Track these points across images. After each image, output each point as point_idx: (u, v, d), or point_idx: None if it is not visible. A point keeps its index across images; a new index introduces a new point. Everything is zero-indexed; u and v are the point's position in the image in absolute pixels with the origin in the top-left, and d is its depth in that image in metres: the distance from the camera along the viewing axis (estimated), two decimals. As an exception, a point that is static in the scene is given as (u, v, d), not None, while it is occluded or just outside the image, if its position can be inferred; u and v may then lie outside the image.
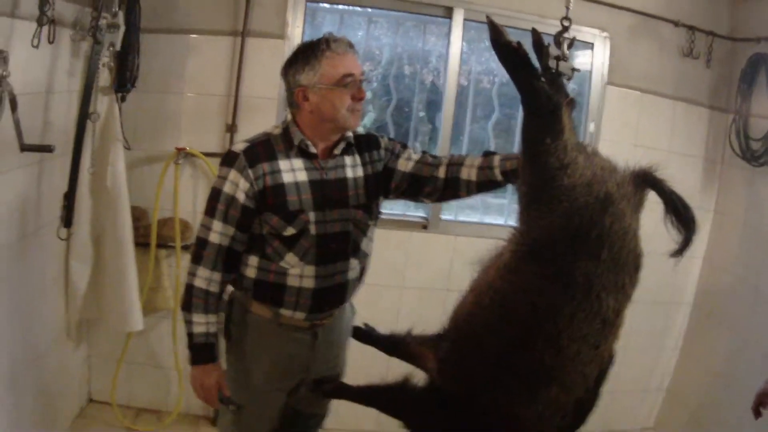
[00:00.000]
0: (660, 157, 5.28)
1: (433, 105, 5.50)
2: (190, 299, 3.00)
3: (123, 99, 4.63)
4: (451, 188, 3.18)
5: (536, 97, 2.48)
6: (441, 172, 3.18)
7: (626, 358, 5.48)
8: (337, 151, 3.12)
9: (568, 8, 2.86)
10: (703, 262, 5.88)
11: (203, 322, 3.00)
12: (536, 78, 2.53)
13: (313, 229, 3.01)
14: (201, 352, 3.03)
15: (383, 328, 3.38)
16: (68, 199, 4.29)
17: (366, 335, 3.41)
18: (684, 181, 5.45)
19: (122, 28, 4.45)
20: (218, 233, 2.98)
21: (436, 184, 3.19)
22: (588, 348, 2.44)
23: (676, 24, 5.52)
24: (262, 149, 3.03)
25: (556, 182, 2.39)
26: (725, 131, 5.60)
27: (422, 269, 5.38)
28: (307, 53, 3.03)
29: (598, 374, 2.61)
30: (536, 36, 2.73)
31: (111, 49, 4.44)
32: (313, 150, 3.06)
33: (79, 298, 4.57)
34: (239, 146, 3.06)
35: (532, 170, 2.49)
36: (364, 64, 5.38)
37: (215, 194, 3.01)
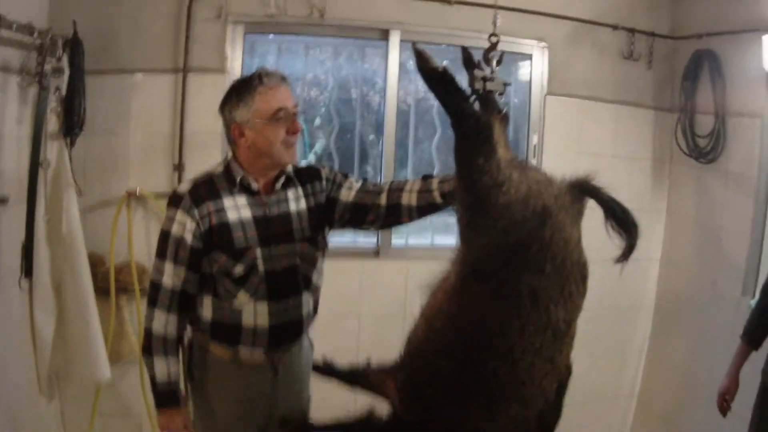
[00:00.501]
0: (606, 162, 5.39)
1: (382, 127, 5.51)
2: (150, 343, 3.00)
3: (72, 143, 4.58)
4: (394, 215, 3.20)
5: (465, 119, 2.49)
6: (383, 200, 3.20)
7: (593, 366, 5.56)
8: (278, 186, 3.14)
9: (495, 24, 2.90)
10: (660, 263, 5.95)
11: (164, 366, 2.99)
12: (465, 100, 2.55)
13: (261, 266, 3.02)
14: (165, 396, 3.02)
15: (343, 358, 3.38)
16: (26, 248, 4.27)
17: (326, 370, 3.39)
18: (633, 183, 5.57)
19: (67, 72, 4.45)
20: (170, 275, 2.98)
21: (378, 212, 3.21)
22: (542, 361, 2.45)
23: (615, 28, 5.60)
24: (206, 188, 3.04)
25: (491, 201, 2.39)
26: (671, 131, 5.67)
27: (377, 296, 5.39)
28: (241, 89, 3.05)
29: (557, 386, 2.62)
30: (466, 53, 2.77)
31: (57, 93, 4.43)
32: (255, 186, 3.07)
33: (47, 350, 4.49)
34: (184, 186, 3.08)
35: (467, 190, 2.50)
36: (309, 90, 5.41)
37: (164, 236, 3.02)
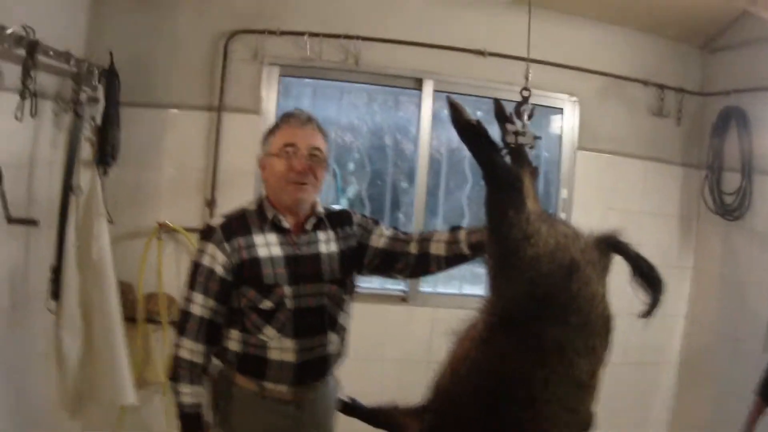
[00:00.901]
0: (634, 218, 5.39)
1: (414, 175, 5.53)
2: (177, 370, 3.02)
3: (105, 172, 4.67)
4: (422, 264, 3.23)
5: (497, 171, 2.52)
6: (412, 248, 3.24)
7: (617, 420, 5.49)
8: (308, 227, 3.18)
9: (527, 78, 2.92)
10: (685, 319, 5.92)
11: (189, 392, 3.01)
12: (497, 152, 2.57)
13: (289, 303, 3.05)
14: (190, 423, 3.03)
15: (366, 401, 3.40)
16: (55, 272, 4.33)
17: (351, 408, 3.40)
18: (660, 240, 5.57)
19: (102, 102, 4.54)
20: (199, 305, 3.01)
21: (407, 260, 3.25)
22: (565, 411, 2.45)
23: (645, 83, 5.64)
24: (238, 224, 3.10)
25: (520, 253, 2.40)
26: (699, 187, 5.67)
27: (403, 342, 5.42)
28: (271, 126, 3.22)
29: None
30: (498, 106, 2.79)
31: (92, 122, 4.52)
32: (285, 225, 3.12)
33: (71, 370, 4.53)
34: (216, 221, 3.13)
35: (496, 242, 2.52)
36: (343, 135, 5.48)
37: (195, 267, 3.06)
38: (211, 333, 3.05)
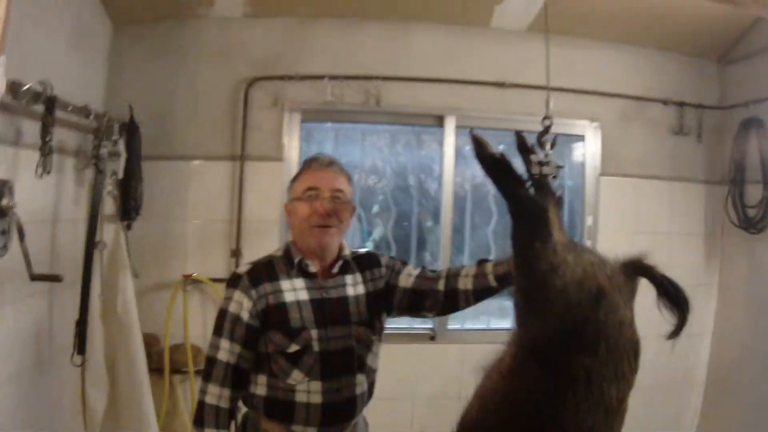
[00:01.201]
0: (661, 240, 5.38)
1: (439, 213, 5.53)
2: (202, 415, 3.02)
3: (129, 227, 4.69)
4: (451, 300, 3.23)
5: (522, 204, 2.51)
6: (440, 285, 3.24)
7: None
8: (335, 270, 3.18)
9: (548, 106, 2.92)
10: (712, 337, 5.87)
11: None
12: (521, 185, 2.57)
13: (316, 346, 3.05)
14: None
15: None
16: (80, 326, 4.31)
17: None
18: (687, 259, 5.55)
19: (124, 156, 4.58)
20: (226, 351, 3.02)
21: (436, 297, 3.24)
22: (595, 438, 2.42)
23: (665, 103, 5.66)
24: (265, 270, 3.11)
25: (548, 284, 2.39)
26: (722, 203, 5.64)
27: (433, 379, 5.40)
28: (296, 173, 3.26)
29: None
30: (519, 139, 2.77)
31: (113, 177, 4.55)
32: (312, 269, 3.13)
33: (97, 424, 4.54)
34: (243, 268, 3.16)
35: (523, 275, 2.51)
36: (367, 178, 5.51)
37: (222, 314, 3.08)
38: (236, 378, 3.05)
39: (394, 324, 5.03)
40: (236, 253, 5.06)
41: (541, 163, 2.66)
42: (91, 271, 4.37)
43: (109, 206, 4.60)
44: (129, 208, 4.64)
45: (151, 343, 4.90)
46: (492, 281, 3.12)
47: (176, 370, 5.01)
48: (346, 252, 3.26)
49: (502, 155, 2.54)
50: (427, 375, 5.40)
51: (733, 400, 5.54)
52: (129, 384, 4.59)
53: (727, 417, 5.62)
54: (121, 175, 4.61)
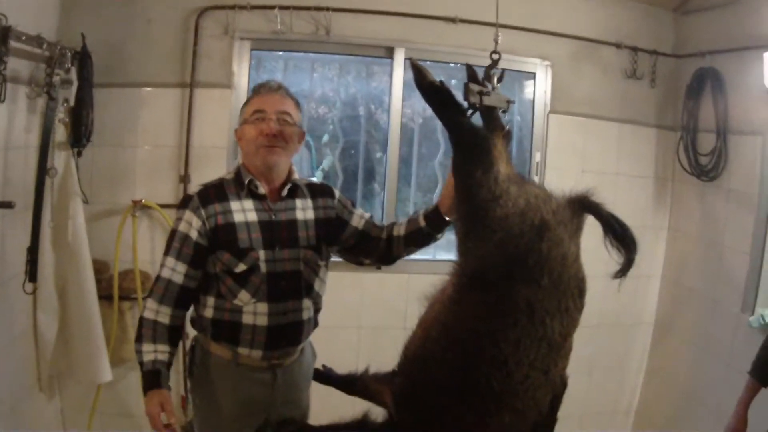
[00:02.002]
0: (609, 180, 5.40)
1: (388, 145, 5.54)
2: (141, 331, 3.06)
3: (79, 153, 4.68)
4: (388, 247, 3.37)
5: (463, 132, 2.54)
6: (384, 234, 3.36)
7: (593, 381, 5.58)
8: (283, 193, 3.22)
9: (496, 42, 2.91)
10: (661, 280, 5.96)
11: (151, 351, 3.02)
12: (462, 114, 2.58)
13: (263, 267, 3.09)
14: (148, 379, 3.04)
15: (342, 369, 3.41)
16: (31, 253, 4.35)
17: (325, 376, 3.45)
18: (636, 201, 5.59)
19: (76, 84, 4.54)
20: (169, 269, 3.07)
21: (378, 245, 3.36)
22: (537, 372, 2.45)
23: (618, 46, 5.65)
24: (215, 191, 3.16)
25: (488, 213, 2.43)
26: (674, 149, 5.70)
27: (378, 309, 5.46)
28: (246, 99, 3.32)
29: (552, 399, 2.61)
30: (470, 71, 2.80)
31: (65, 104, 4.52)
32: (261, 191, 3.17)
33: (48, 351, 4.57)
34: (194, 189, 3.22)
35: (465, 203, 2.54)
36: (317, 108, 5.50)
37: (172, 234, 3.14)
38: (179, 296, 3.09)
39: None
40: (184, 179, 5.03)
41: (481, 93, 2.67)
42: (43, 198, 4.40)
43: (60, 134, 4.54)
44: (80, 135, 4.60)
45: (100, 269, 4.89)
46: (421, 222, 3.23)
47: (125, 296, 5.01)
48: (296, 176, 3.32)
49: (441, 83, 2.57)
50: (372, 304, 5.47)
51: (680, 343, 5.64)
52: (79, 311, 4.61)
53: (673, 358, 5.73)
54: (72, 103, 4.57)
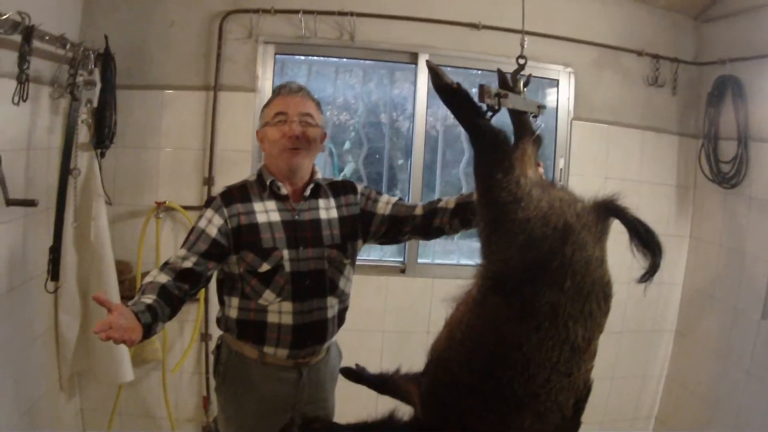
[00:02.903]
0: (632, 187, 5.40)
1: (410, 151, 5.54)
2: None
3: (102, 155, 4.71)
4: (429, 218, 3.32)
5: (481, 134, 2.53)
6: (419, 210, 3.35)
7: (614, 387, 5.57)
8: (306, 194, 3.25)
9: (522, 46, 2.92)
10: (682, 287, 5.94)
11: (137, 298, 2.79)
12: (480, 116, 2.56)
13: (287, 266, 3.12)
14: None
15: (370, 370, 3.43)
16: (54, 252, 4.39)
17: (356, 374, 3.42)
18: (657, 208, 5.58)
19: (98, 85, 4.57)
20: (178, 255, 3.03)
21: (414, 222, 3.33)
22: (559, 376, 2.44)
23: (639, 54, 5.65)
24: (238, 192, 3.20)
25: (510, 216, 2.42)
26: (695, 156, 5.69)
27: (402, 312, 5.45)
28: (267, 101, 3.31)
29: (575, 403, 2.59)
30: (501, 76, 2.82)
31: (88, 105, 4.56)
32: (284, 192, 3.20)
33: (69, 350, 4.62)
34: (218, 190, 3.26)
35: (486, 205, 2.54)
36: (339, 114, 5.52)
37: (191, 229, 3.15)
38: (181, 273, 2.97)
39: (365, 256, 5.24)
40: (208, 182, 5.07)
41: (498, 95, 2.66)
42: (66, 198, 4.43)
43: (83, 134, 4.59)
44: (103, 137, 4.63)
45: (123, 270, 4.93)
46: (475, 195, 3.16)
47: (148, 297, 5.01)
48: (319, 176, 3.35)
49: (458, 85, 2.55)
50: (396, 308, 5.46)
51: (701, 350, 5.60)
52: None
53: (694, 365, 5.69)
54: (95, 104, 4.60)
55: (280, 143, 3.16)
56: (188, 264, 3.00)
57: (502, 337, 2.45)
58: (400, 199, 3.51)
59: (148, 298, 2.79)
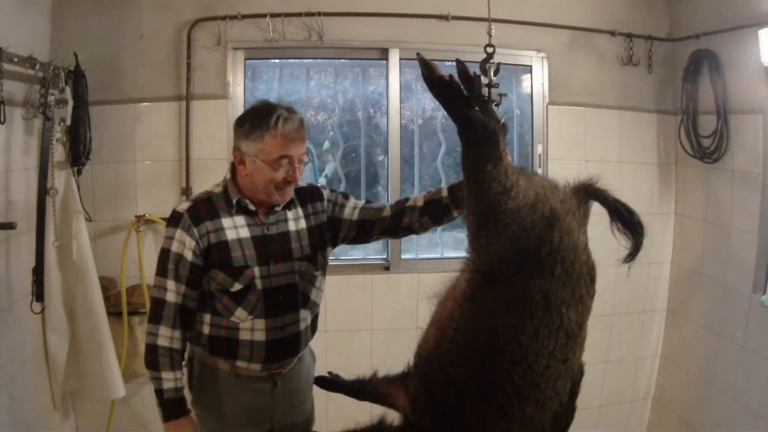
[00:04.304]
0: (613, 168, 5.38)
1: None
2: (156, 357, 3.03)
3: (79, 172, 4.69)
4: (398, 219, 3.29)
5: (473, 126, 2.50)
6: (387, 212, 3.32)
7: (609, 371, 5.56)
8: (277, 207, 3.19)
9: (490, 35, 2.90)
10: (671, 265, 5.93)
11: (171, 378, 3.03)
12: (470, 108, 2.54)
13: (259, 284, 3.09)
14: (173, 407, 3.06)
15: (356, 372, 3.36)
16: (37, 273, 4.36)
17: (330, 383, 3.40)
18: (640, 188, 5.57)
19: (71, 103, 4.53)
20: (173, 292, 3.04)
21: (383, 224, 3.31)
22: (556, 362, 2.45)
23: (612, 34, 5.63)
24: (205, 208, 3.11)
25: (501, 206, 2.42)
26: (675, 133, 5.68)
27: (389, 310, 5.43)
28: (256, 123, 3.07)
29: (570, 388, 2.60)
30: (461, 66, 2.76)
31: (62, 124, 4.51)
32: (252, 207, 3.13)
33: (60, 370, 4.59)
34: (183, 206, 3.14)
35: (476, 198, 2.51)
36: (316, 115, 5.49)
37: (164, 254, 3.08)
38: (185, 319, 3.08)
39: (348, 255, 5.30)
40: (186, 192, 5.04)
41: (489, 85, 2.64)
42: (45, 218, 4.40)
43: (59, 153, 4.54)
44: (79, 154, 4.61)
45: (108, 286, 4.92)
46: (444, 192, 3.21)
47: (134, 311, 5.03)
48: None
49: (450, 77, 2.53)
50: (383, 305, 5.44)
51: (694, 327, 5.59)
52: (89, 328, 4.63)
53: (688, 343, 5.69)
54: (69, 122, 4.57)
55: (278, 183, 3.08)
56: (186, 302, 3.07)
57: (497, 330, 2.43)
58: (368, 201, 3.47)
59: (182, 379, 3.09)
